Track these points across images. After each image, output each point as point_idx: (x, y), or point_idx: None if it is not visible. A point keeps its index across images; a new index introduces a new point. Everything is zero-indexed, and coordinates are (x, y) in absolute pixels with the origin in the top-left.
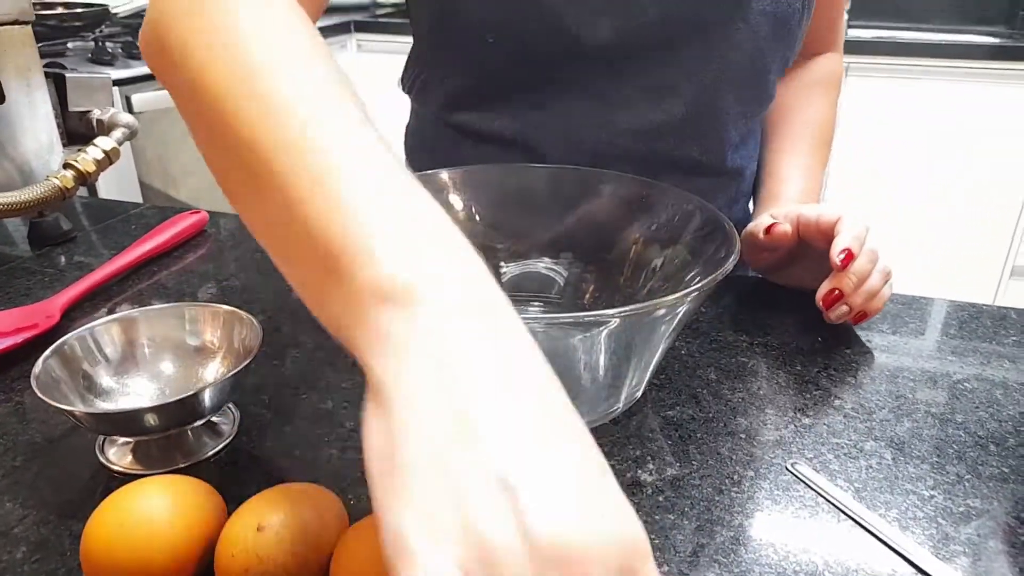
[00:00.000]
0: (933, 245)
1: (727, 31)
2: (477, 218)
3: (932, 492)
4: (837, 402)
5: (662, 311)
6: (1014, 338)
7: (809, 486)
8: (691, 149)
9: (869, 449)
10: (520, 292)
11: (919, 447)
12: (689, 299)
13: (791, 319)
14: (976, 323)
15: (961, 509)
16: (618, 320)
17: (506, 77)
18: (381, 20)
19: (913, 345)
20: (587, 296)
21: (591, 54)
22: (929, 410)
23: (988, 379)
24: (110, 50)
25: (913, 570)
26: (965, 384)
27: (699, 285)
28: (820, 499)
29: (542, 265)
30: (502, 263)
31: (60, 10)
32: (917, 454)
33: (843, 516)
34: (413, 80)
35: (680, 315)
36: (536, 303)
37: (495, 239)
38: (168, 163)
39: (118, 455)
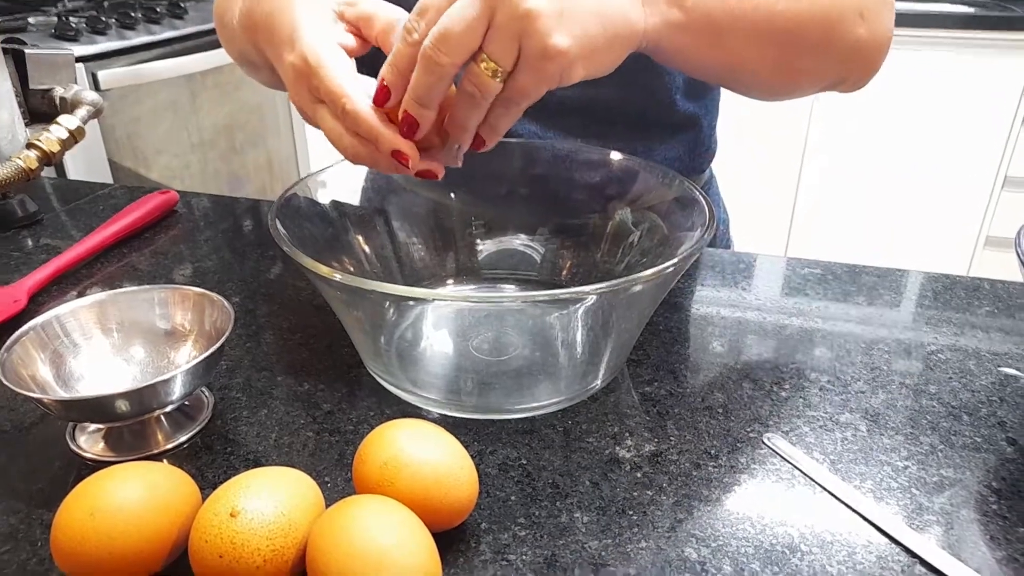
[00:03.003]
0: (908, 216)
1: None
2: (452, 195)
3: (906, 463)
4: (813, 375)
5: (639, 287)
6: (987, 308)
7: (785, 459)
8: (635, 94)
9: (844, 421)
10: (497, 269)
11: (893, 418)
12: (665, 274)
13: (768, 292)
14: (950, 294)
15: (934, 479)
16: (595, 297)
17: None
18: None
19: (888, 316)
20: (564, 272)
21: None
22: (903, 381)
23: (961, 349)
24: (74, 25)
25: (888, 540)
26: (939, 355)
27: (676, 260)
28: (796, 472)
29: (518, 242)
30: (478, 240)
31: None
32: (891, 425)
33: (819, 488)
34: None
35: (657, 290)
36: (513, 280)
37: (471, 216)
38: (138, 141)
39: (89, 442)
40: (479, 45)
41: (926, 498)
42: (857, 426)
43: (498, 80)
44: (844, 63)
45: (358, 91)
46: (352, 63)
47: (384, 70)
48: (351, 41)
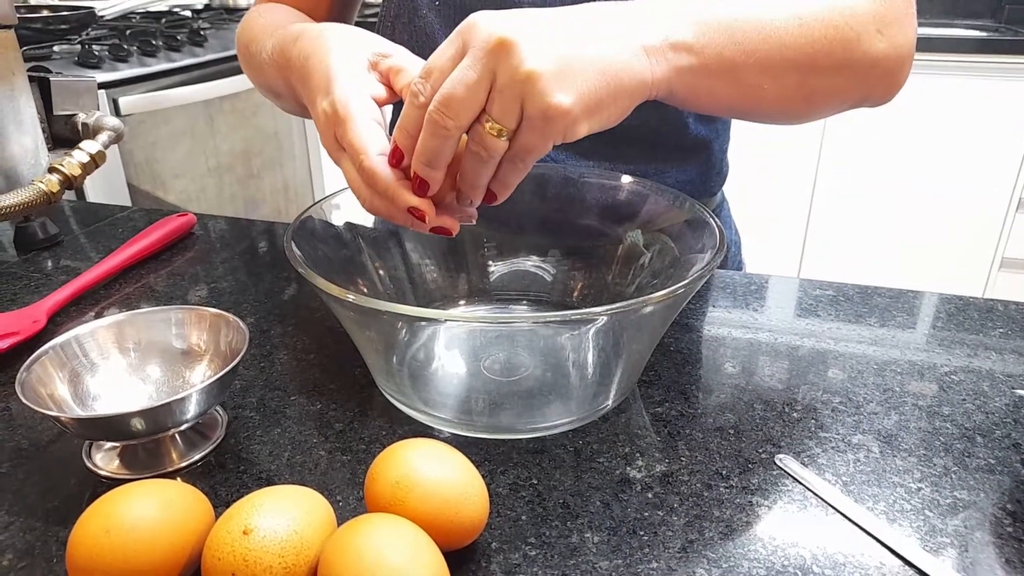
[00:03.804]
0: (923, 238)
1: None
2: None
3: (919, 484)
4: (825, 396)
5: (650, 308)
6: (1000, 330)
7: (797, 480)
8: (648, 117)
9: (857, 442)
10: (509, 290)
11: (907, 439)
12: (676, 295)
13: (780, 313)
14: (963, 315)
15: (948, 501)
16: (606, 317)
17: None
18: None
19: (901, 338)
20: (576, 293)
21: None
22: (917, 403)
23: (975, 371)
24: (97, 53)
25: (901, 562)
26: (952, 376)
27: (686, 281)
28: (808, 493)
29: (530, 263)
30: (490, 262)
31: (45, 13)
32: (905, 447)
33: (831, 510)
34: None
35: (668, 311)
36: (525, 301)
37: (483, 238)
38: (156, 165)
39: (105, 460)
40: (482, 107)
41: (940, 520)
42: (870, 447)
43: (503, 139)
44: (866, 80)
45: (379, 147)
46: (380, 113)
47: (395, 132)
48: (381, 92)
